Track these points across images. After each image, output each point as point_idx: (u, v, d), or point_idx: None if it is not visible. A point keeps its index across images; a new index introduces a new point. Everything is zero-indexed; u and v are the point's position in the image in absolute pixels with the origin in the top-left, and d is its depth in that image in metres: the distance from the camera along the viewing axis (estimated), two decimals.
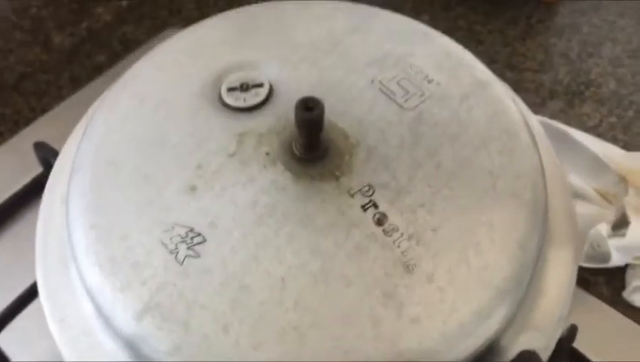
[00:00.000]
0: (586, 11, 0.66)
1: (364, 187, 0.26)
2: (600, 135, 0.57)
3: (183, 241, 0.25)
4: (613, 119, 0.59)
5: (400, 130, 0.28)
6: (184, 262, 0.25)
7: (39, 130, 0.56)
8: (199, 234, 0.25)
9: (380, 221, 0.26)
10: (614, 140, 0.57)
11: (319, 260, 0.25)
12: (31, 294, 0.43)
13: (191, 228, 0.25)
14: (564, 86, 0.61)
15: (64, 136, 0.34)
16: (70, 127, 0.34)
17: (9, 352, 0.43)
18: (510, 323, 0.26)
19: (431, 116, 0.28)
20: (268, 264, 0.25)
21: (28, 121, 0.57)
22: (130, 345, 0.24)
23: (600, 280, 0.51)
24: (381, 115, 0.28)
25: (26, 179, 0.52)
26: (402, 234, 0.25)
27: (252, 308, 0.24)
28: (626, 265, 0.50)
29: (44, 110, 0.58)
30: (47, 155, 0.46)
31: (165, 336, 0.23)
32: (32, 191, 0.52)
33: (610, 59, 0.63)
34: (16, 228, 0.52)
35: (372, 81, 0.29)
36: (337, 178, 0.27)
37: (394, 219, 0.26)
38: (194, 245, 0.25)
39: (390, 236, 0.25)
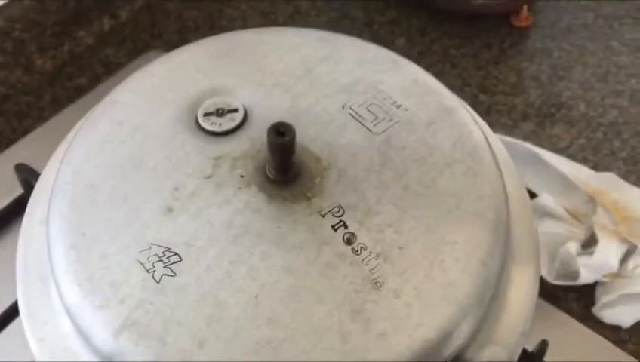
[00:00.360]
0: (557, 36, 0.68)
1: (335, 208, 0.28)
2: (570, 156, 0.58)
3: (159, 260, 0.26)
4: (582, 140, 0.61)
5: (369, 153, 0.29)
6: (161, 281, 0.26)
7: (20, 151, 0.57)
8: (175, 254, 0.26)
9: (350, 240, 0.27)
10: (584, 161, 0.59)
11: (291, 278, 0.26)
12: (11, 314, 0.43)
13: (168, 248, 0.26)
14: (536, 108, 0.63)
15: (45, 158, 0.34)
16: (51, 149, 0.35)
17: None
18: (474, 337, 0.27)
19: (399, 140, 0.30)
20: (242, 281, 0.26)
21: (9, 143, 0.58)
22: (109, 361, 0.25)
23: (570, 297, 0.52)
24: (351, 139, 0.30)
25: (6, 200, 0.53)
26: (370, 253, 0.27)
27: (227, 324, 0.25)
28: (596, 282, 0.52)
29: (25, 131, 0.59)
30: (28, 177, 0.47)
31: (143, 352, 0.24)
32: (13, 212, 0.53)
33: (580, 83, 0.65)
34: None
35: (343, 107, 0.31)
36: (309, 199, 0.28)
37: (363, 238, 0.27)
38: (170, 264, 0.26)
39: (359, 254, 0.26)
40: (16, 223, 0.52)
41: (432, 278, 0.26)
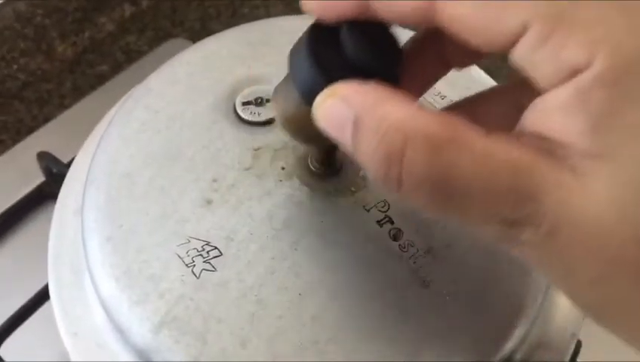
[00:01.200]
0: None
1: (380, 202, 0.27)
2: None
3: (199, 255, 0.25)
4: None
5: None
6: (201, 276, 0.25)
7: (41, 138, 0.56)
8: (215, 248, 0.25)
9: (396, 236, 0.26)
10: None
11: (337, 275, 0.25)
12: (34, 305, 0.42)
13: (207, 242, 0.25)
14: None
15: (66, 145, 0.33)
16: (72, 137, 0.34)
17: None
18: (524, 339, 0.26)
19: None
20: (285, 278, 0.25)
21: (30, 130, 0.57)
22: (146, 358, 0.24)
23: None
24: None
25: (28, 188, 0.52)
26: (418, 250, 0.25)
27: (269, 323, 0.24)
28: None
29: (46, 119, 0.58)
30: (50, 165, 0.47)
31: (182, 350, 0.23)
32: (34, 200, 0.52)
33: None
34: (18, 237, 0.51)
35: None
36: (353, 193, 0.27)
37: (410, 234, 0.26)
38: (210, 258, 0.25)
39: (406, 251, 0.25)
40: (38, 210, 0.52)
41: (482, 277, 0.25)
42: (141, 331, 0.24)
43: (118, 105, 0.31)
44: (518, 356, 0.26)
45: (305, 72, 0.21)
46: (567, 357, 0.27)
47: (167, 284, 0.25)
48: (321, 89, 0.20)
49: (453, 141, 0.17)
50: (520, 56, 0.17)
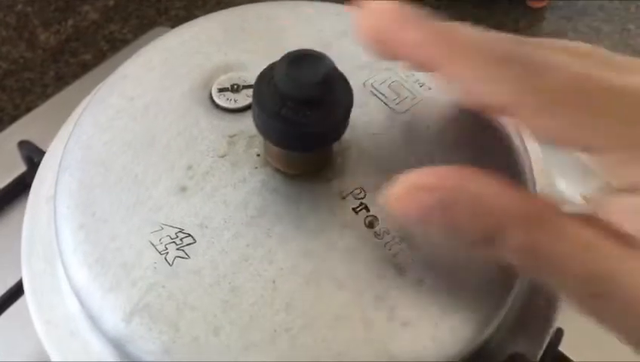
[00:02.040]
0: (572, 17, 0.67)
1: (356, 189, 0.26)
2: None
3: (172, 242, 0.25)
4: None
5: (392, 132, 0.28)
6: (174, 263, 0.24)
7: (23, 128, 0.55)
8: (189, 235, 0.25)
9: (372, 223, 0.26)
10: None
11: (311, 262, 0.25)
12: (13, 295, 0.42)
13: (181, 229, 0.25)
14: None
15: (49, 135, 0.33)
16: (55, 126, 0.34)
17: None
18: (501, 326, 0.26)
19: (423, 119, 0.28)
20: (259, 265, 0.24)
21: (12, 120, 0.56)
22: (119, 346, 0.24)
23: None
24: (373, 118, 0.28)
25: (9, 178, 0.52)
26: (393, 238, 0.25)
27: (243, 310, 0.24)
28: None
29: (28, 108, 0.58)
30: (32, 154, 0.46)
31: (155, 338, 0.23)
32: (15, 190, 0.52)
33: None
34: None
35: (363, 84, 0.29)
36: (329, 180, 0.27)
37: (385, 222, 0.26)
38: (184, 246, 0.25)
39: (382, 238, 0.25)
40: (19, 201, 0.52)
41: (458, 264, 0.25)
42: (113, 319, 0.24)
43: (93, 92, 0.31)
44: (493, 343, 0.26)
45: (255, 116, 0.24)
46: (543, 345, 0.27)
47: (140, 272, 0.24)
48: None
49: (548, 222, 0.19)
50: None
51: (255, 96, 0.23)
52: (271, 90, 0.23)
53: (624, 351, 0.46)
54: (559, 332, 0.43)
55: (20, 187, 0.52)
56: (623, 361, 0.46)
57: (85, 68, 0.61)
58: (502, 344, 0.26)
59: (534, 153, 0.30)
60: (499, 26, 0.65)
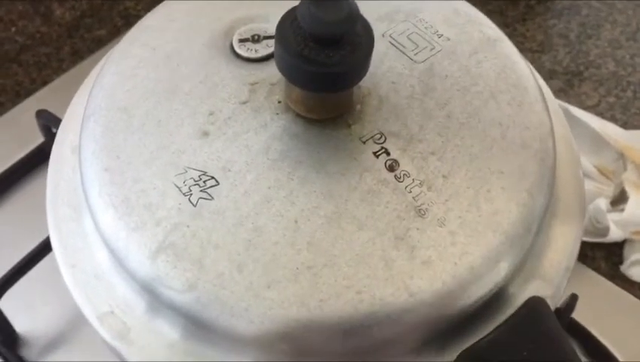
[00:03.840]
0: None
1: (376, 134, 0.27)
2: (599, 114, 0.57)
3: (196, 184, 0.25)
4: (611, 99, 0.59)
5: (411, 81, 0.28)
6: (197, 204, 0.25)
7: (40, 101, 0.56)
8: (212, 178, 0.25)
9: (392, 167, 0.26)
10: (613, 119, 0.57)
11: (332, 203, 0.25)
12: (32, 260, 0.43)
13: (204, 172, 0.26)
14: (564, 67, 0.61)
15: (64, 108, 0.33)
16: (71, 99, 0.34)
17: (11, 316, 0.43)
18: (519, 270, 0.26)
19: (441, 69, 0.29)
20: (281, 206, 0.25)
21: (28, 93, 0.57)
22: (144, 285, 0.24)
23: (599, 255, 0.51)
24: (392, 67, 0.29)
25: (26, 149, 0.52)
26: (414, 180, 0.26)
27: (265, 249, 0.24)
28: (624, 241, 0.51)
29: (44, 82, 0.58)
30: (49, 123, 0.47)
31: (180, 275, 0.24)
32: (33, 161, 0.52)
33: (609, 41, 0.63)
34: (18, 198, 0.52)
35: (383, 35, 0.30)
36: (349, 126, 0.27)
37: (405, 165, 0.26)
38: (207, 188, 0.25)
39: (402, 182, 0.26)
40: (37, 171, 0.52)
41: (478, 207, 0.25)
42: (138, 257, 0.24)
43: (116, 45, 0.31)
44: (511, 287, 0.26)
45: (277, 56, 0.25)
46: (561, 291, 0.27)
47: (165, 212, 0.25)
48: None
49: None
50: None
51: (278, 36, 0.24)
52: (294, 30, 0.23)
53: (636, 318, 0.47)
54: (573, 298, 0.43)
55: (38, 158, 0.52)
56: (634, 327, 0.47)
57: (100, 43, 0.61)
58: (520, 289, 0.26)
59: (552, 103, 0.30)
60: (511, 2, 0.65)
